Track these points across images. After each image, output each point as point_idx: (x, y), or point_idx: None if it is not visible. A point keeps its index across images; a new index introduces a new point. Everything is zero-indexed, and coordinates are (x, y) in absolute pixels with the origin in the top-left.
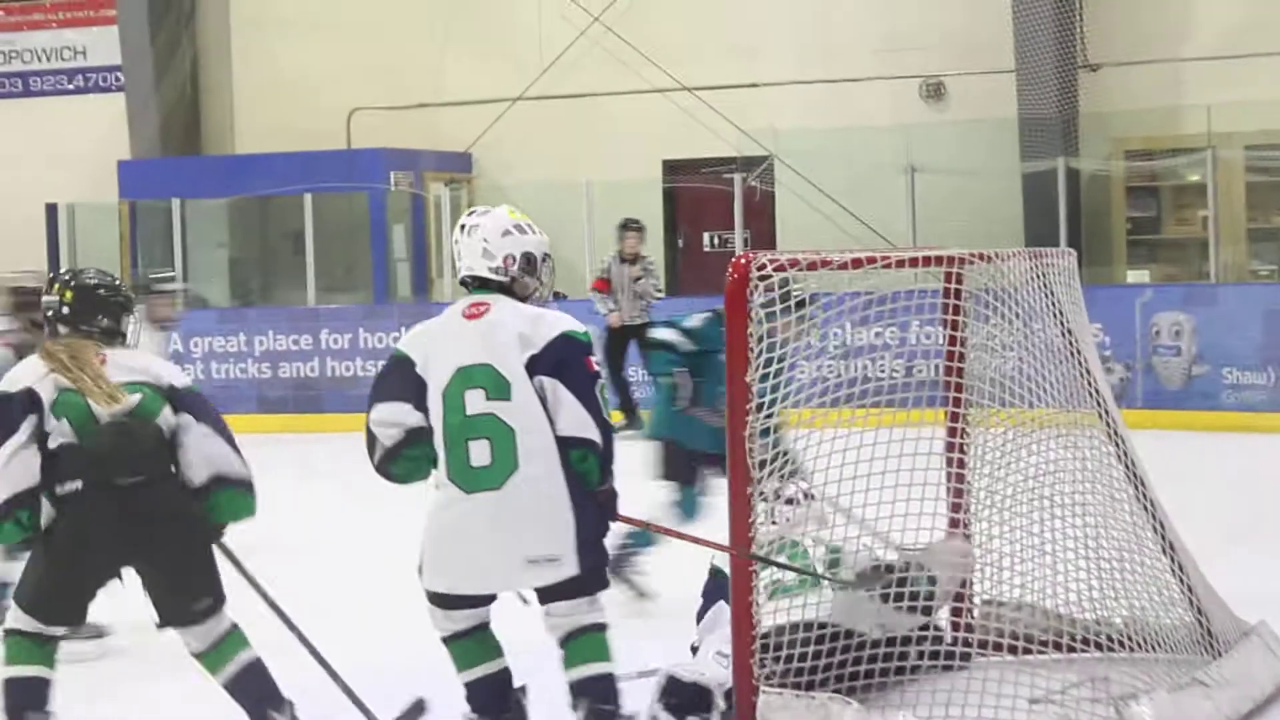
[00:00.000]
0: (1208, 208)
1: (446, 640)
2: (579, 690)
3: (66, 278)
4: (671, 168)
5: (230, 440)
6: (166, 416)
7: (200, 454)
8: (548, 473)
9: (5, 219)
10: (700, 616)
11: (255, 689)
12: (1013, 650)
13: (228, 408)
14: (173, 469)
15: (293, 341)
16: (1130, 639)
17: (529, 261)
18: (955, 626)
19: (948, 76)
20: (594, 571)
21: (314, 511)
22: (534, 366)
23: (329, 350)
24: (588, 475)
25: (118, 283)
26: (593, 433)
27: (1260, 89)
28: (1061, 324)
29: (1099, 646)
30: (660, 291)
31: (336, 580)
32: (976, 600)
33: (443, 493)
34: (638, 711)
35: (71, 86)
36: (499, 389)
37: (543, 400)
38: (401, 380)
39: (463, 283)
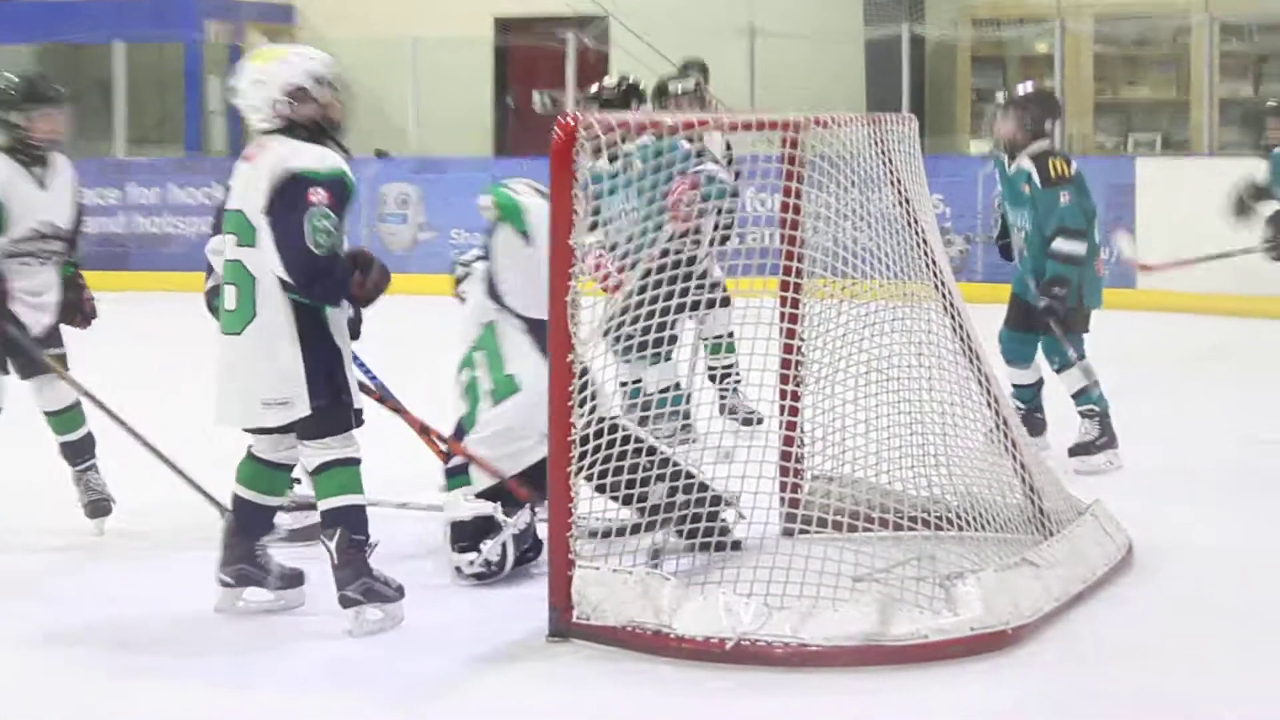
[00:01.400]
0: (1054, 79)
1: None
2: (329, 520)
3: None
4: (503, 26)
5: None
6: None
7: None
8: (279, 318)
9: None
10: None
11: None
12: (838, 527)
13: None
14: None
15: (99, 195)
16: (960, 518)
17: (298, 92)
18: (783, 502)
19: None
20: (327, 410)
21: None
22: (269, 209)
23: (137, 205)
24: (319, 311)
25: None
26: (288, 271)
27: None
28: (899, 192)
29: (928, 525)
30: None
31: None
32: (805, 475)
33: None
34: (378, 540)
35: None
36: (246, 235)
37: None
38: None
39: None
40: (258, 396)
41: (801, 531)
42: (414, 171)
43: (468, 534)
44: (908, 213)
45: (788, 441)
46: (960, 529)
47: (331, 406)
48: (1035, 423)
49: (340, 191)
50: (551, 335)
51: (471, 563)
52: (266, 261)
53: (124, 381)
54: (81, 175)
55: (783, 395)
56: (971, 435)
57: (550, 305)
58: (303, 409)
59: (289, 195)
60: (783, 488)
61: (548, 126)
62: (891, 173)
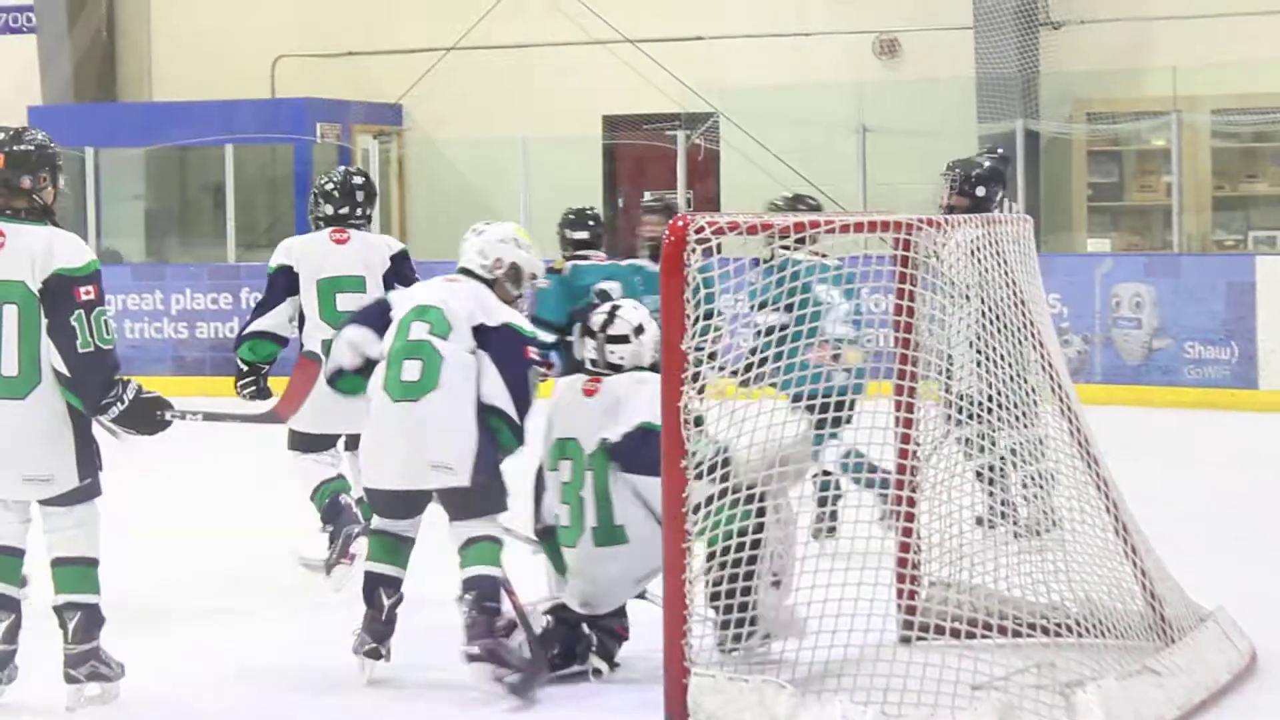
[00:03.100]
0: (1171, 174)
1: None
2: (467, 585)
3: None
4: (612, 124)
5: None
6: None
7: None
8: (460, 398)
9: None
10: None
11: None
12: (956, 634)
13: (142, 369)
14: None
15: (211, 300)
16: (1080, 624)
17: (516, 272)
18: (900, 609)
19: (902, 33)
20: (484, 489)
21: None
22: (478, 332)
23: (250, 309)
24: (498, 433)
25: None
26: (507, 405)
27: (1228, 51)
28: (1014, 294)
29: (1046, 632)
30: None
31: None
32: (923, 582)
33: (375, 402)
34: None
35: None
36: (441, 327)
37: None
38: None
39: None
40: (426, 458)
41: (919, 638)
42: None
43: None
44: (1023, 314)
45: (904, 547)
46: (1080, 636)
47: (489, 487)
48: None
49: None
50: (665, 440)
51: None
52: (459, 354)
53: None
54: (194, 281)
55: (899, 500)
56: (1091, 540)
57: (664, 411)
58: (463, 479)
59: (505, 338)
60: (900, 594)
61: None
62: (1006, 273)
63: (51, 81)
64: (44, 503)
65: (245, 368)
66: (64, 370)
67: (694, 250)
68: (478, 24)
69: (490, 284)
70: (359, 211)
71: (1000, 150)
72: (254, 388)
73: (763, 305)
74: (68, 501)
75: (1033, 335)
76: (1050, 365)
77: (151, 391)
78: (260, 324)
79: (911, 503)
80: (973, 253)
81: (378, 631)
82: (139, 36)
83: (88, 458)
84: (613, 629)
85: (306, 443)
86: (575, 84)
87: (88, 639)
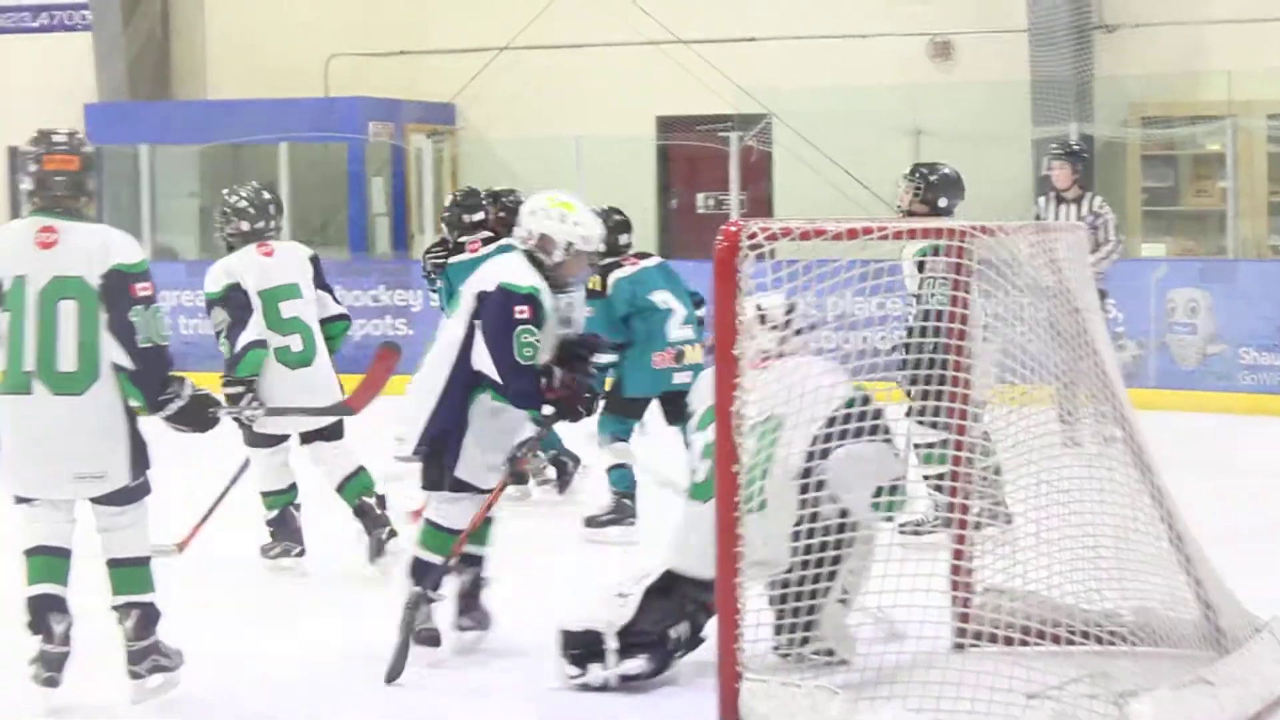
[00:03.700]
0: (1227, 179)
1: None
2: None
3: None
4: (665, 124)
5: None
6: None
7: None
8: (434, 375)
9: None
10: None
11: None
12: (1009, 641)
13: (196, 365)
14: None
15: None
16: (1133, 633)
17: (546, 242)
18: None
19: (956, 35)
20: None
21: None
22: (479, 299)
23: None
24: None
25: None
26: (487, 366)
27: None
28: (1068, 301)
29: (1099, 640)
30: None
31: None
32: (976, 588)
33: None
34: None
35: (36, 24)
36: (454, 305)
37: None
38: None
39: None
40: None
41: (972, 645)
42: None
43: (578, 644)
44: (1078, 322)
45: (957, 554)
46: (1133, 645)
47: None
48: None
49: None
50: (718, 445)
51: (572, 678)
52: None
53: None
54: None
55: (952, 506)
56: (1145, 548)
57: (717, 415)
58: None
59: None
60: (953, 600)
61: (712, 228)
62: (1060, 280)
63: (106, 79)
64: (96, 501)
65: (240, 386)
66: (127, 365)
67: (746, 256)
68: (531, 23)
69: (531, 255)
70: (273, 224)
71: (1078, 145)
72: (255, 401)
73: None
74: (120, 500)
75: (1086, 341)
76: (1103, 371)
77: (202, 389)
78: (251, 334)
79: (965, 508)
80: (1027, 258)
81: None
82: (194, 34)
83: (140, 456)
84: (707, 602)
85: (265, 440)
86: (628, 84)
87: (147, 635)
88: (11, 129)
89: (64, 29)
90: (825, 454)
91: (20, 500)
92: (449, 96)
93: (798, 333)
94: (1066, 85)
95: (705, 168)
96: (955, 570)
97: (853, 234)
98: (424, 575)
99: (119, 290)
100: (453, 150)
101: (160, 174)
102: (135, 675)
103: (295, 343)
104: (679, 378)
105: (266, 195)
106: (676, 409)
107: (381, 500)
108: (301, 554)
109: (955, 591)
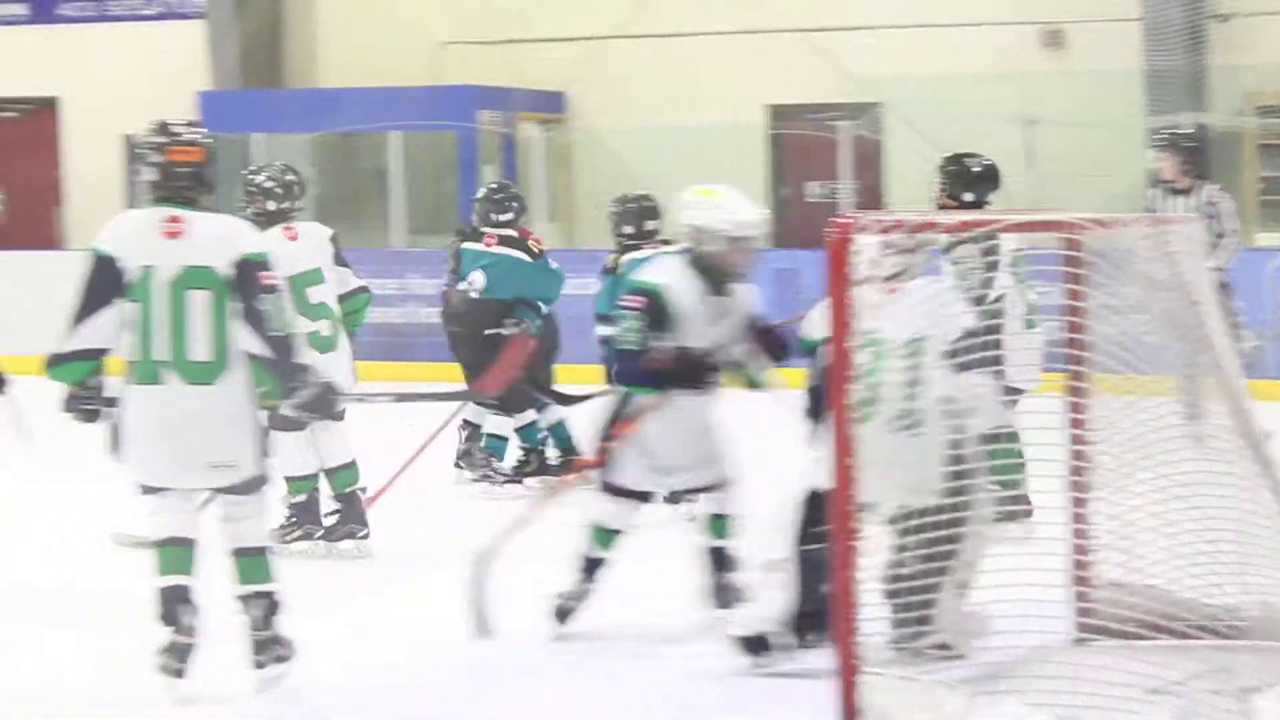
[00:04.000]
0: None
1: None
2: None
3: None
4: (776, 113)
5: None
6: None
7: None
8: None
9: (80, 150)
10: None
11: None
12: (1129, 636)
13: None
14: None
15: (379, 285)
16: (1255, 628)
17: (698, 233)
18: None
19: (1068, 23)
20: None
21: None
22: None
23: (416, 296)
24: None
25: None
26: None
27: None
28: (1185, 294)
29: (1220, 635)
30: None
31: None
32: (1097, 581)
33: None
34: None
35: (150, 12)
36: None
37: None
38: None
39: None
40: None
41: (1091, 640)
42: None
43: (755, 647)
44: (1194, 313)
45: (1077, 549)
46: (1256, 640)
47: None
48: None
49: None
50: (834, 438)
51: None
52: None
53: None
54: (360, 266)
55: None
56: (1266, 542)
57: (833, 408)
58: None
59: None
60: (1073, 594)
61: (823, 217)
62: (1176, 273)
63: (219, 67)
64: (223, 491)
65: None
66: (260, 353)
67: (858, 247)
68: (642, 11)
69: (691, 252)
70: (297, 205)
71: (1181, 135)
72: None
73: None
74: (247, 489)
75: (1203, 333)
76: (1220, 365)
77: (326, 377)
78: None
79: (1083, 501)
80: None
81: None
82: (306, 22)
83: (263, 445)
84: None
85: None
86: (738, 72)
87: (271, 625)
88: (126, 117)
89: (178, 17)
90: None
91: (148, 490)
92: (559, 85)
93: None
94: (1180, 75)
95: (816, 156)
96: (1074, 564)
97: (964, 227)
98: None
99: (248, 279)
100: (563, 139)
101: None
102: (259, 665)
103: (324, 327)
104: None
105: (291, 175)
106: None
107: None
108: (321, 537)
109: (1075, 585)
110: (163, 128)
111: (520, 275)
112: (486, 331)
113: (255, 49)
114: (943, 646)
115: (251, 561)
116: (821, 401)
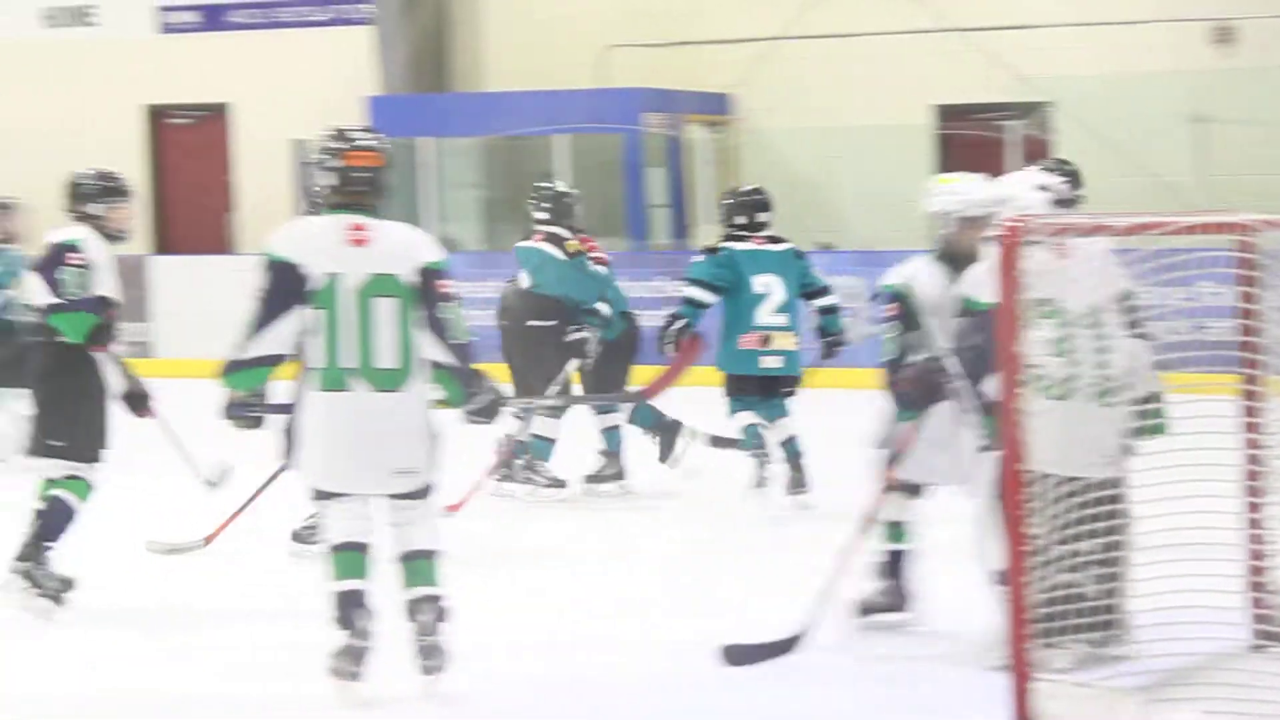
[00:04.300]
0: None
1: None
2: None
3: None
4: (943, 113)
5: None
6: None
7: None
8: None
9: (250, 154)
10: None
11: None
12: None
13: (480, 356)
14: None
15: None
16: None
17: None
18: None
19: (1239, 20)
20: None
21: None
22: None
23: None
24: None
25: None
26: None
27: None
28: None
29: None
30: None
31: None
32: (1274, 587)
33: None
34: None
35: (319, 19)
36: None
37: None
38: None
39: None
40: None
41: (1268, 646)
42: (858, 264)
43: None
44: None
45: (1253, 553)
46: None
47: None
48: None
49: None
50: (1004, 444)
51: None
52: None
53: None
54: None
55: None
56: None
57: (1002, 414)
58: None
59: None
60: (1255, 603)
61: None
62: None
63: (387, 71)
64: (399, 497)
65: None
66: (445, 360)
67: (1029, 249)
68: (808, 12)
69: (942, 246)
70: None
71: None
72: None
73: None
74: (421, 494)
75: None
76: None
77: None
78: None
79: (1259, 506)
80: None
81: None
82: (473, 26)
83: (436, 452)
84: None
85: None
86: (904, 72)
87: (438, 630)
88: (295, 123)
89: (346, 23)
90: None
91: (323, 496)
92: (725, 86)
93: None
94: None
95: (983, 156)
96: (1252, 568)
97: (1136, 229)
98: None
99: (430, 288)
100: (729, 140)
101: (442, 166)
102: (426, 671)
103: None
104: (765, 361)
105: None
106: (763, 392)
107: None
108: None
109: (1251, 591)
110: (340, 134)
111: (555, 271)
112: (529, 323)
113: (422, 54)
114: (1110, 648)
115: (421, 565)
116: (982, 363)
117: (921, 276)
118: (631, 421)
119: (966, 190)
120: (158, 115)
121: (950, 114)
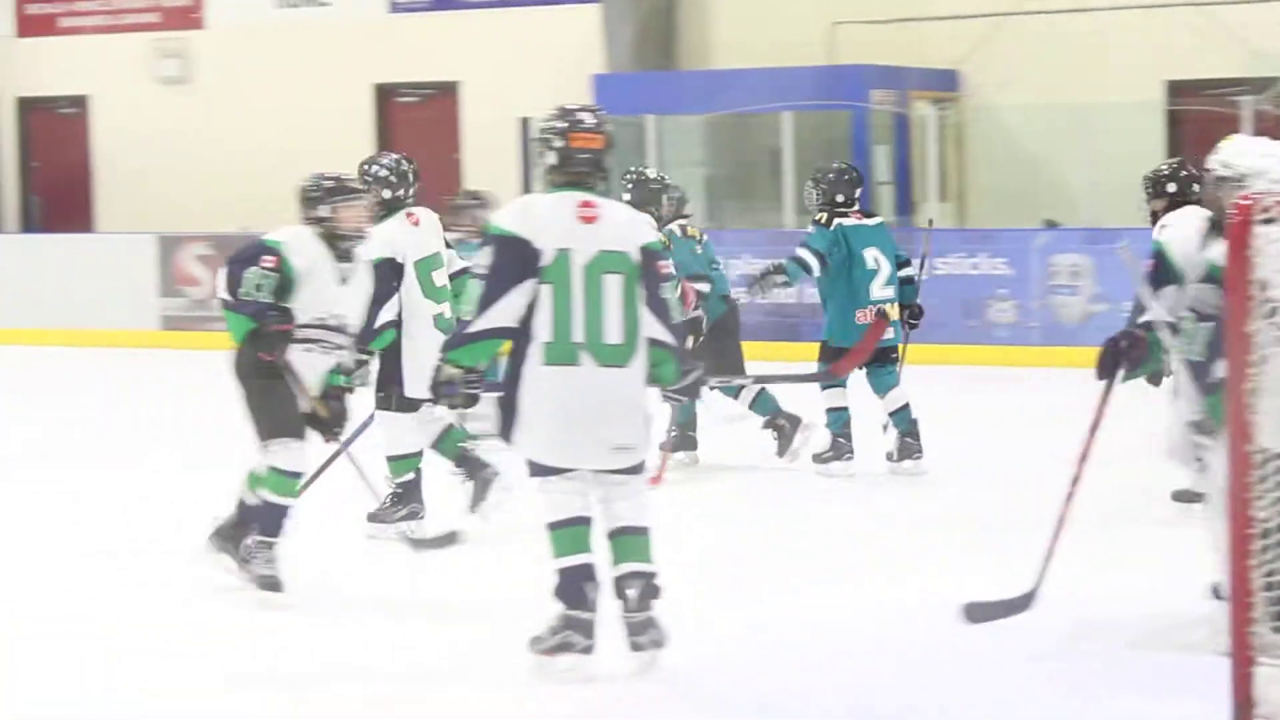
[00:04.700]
0: None
1: None
2: None
3: None
4: (1175, 89)
5: None
6: None
7: None
8: None
9: (479, 133)
10: None
11: None
12: None
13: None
14: None
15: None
16: None
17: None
18: None
19: None
20: None
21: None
22: None
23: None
24: None
25: None
26: None
27: None
28: None
29: None
30: None
31: None
32: None
33: None
34: None
35: None
36: None
37: None
38: None
39: None
40: None
41: None
42: (1085, 242)
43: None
44: None
45: None
46: None
47: None
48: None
49: None
50: (1232, 425)
51: None
52: None
53: None
54: (751, 248)
55: None
56: None
57: (1230, 397)
58: None
59: None
60: None
61: None
62: None
63: (614, 50)
64: (614, 472)
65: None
66: (665, 339)
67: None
68: None
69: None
70: (412, 193)
71: None
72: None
73: None
74: (636, 471)
75: None
76: None
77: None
78: (389, 315)
79: None
80: None
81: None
82: (699, 4)
83: (651, 429)
84: None
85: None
86: (1135, 47)
87: (649, 606)
88: (523, 100)
89: (574, 1)
90: None
91: (543, 471)
92: (953, 63)
93: None
94: None
95: (1217, 133)
96: None
97: None
98: None
99: (652, 268)
100: (957, 117)
101: (667, 144)
102: (636, 647)
103: (446, 310)
104: None
105: (405, 164)
106: (876, 364)
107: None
108: (423, 517)
109: None
110: (565, 113)
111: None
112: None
113: (649, 31)
114: None
115: (632, 541)
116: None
117: (1181, 234)
118: (752, 408)
119: (1230, 151)
120: (387, 94)
121: (1182, 90)
